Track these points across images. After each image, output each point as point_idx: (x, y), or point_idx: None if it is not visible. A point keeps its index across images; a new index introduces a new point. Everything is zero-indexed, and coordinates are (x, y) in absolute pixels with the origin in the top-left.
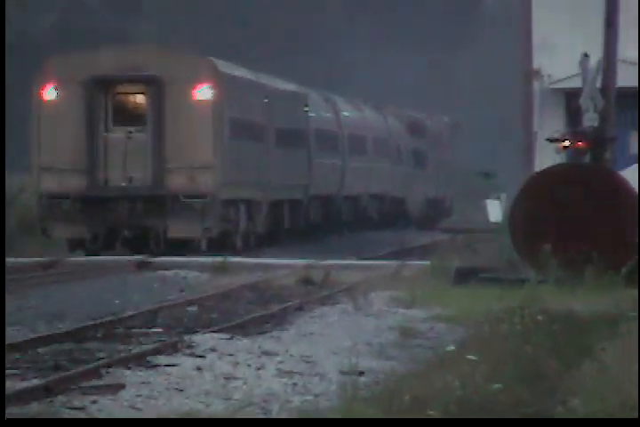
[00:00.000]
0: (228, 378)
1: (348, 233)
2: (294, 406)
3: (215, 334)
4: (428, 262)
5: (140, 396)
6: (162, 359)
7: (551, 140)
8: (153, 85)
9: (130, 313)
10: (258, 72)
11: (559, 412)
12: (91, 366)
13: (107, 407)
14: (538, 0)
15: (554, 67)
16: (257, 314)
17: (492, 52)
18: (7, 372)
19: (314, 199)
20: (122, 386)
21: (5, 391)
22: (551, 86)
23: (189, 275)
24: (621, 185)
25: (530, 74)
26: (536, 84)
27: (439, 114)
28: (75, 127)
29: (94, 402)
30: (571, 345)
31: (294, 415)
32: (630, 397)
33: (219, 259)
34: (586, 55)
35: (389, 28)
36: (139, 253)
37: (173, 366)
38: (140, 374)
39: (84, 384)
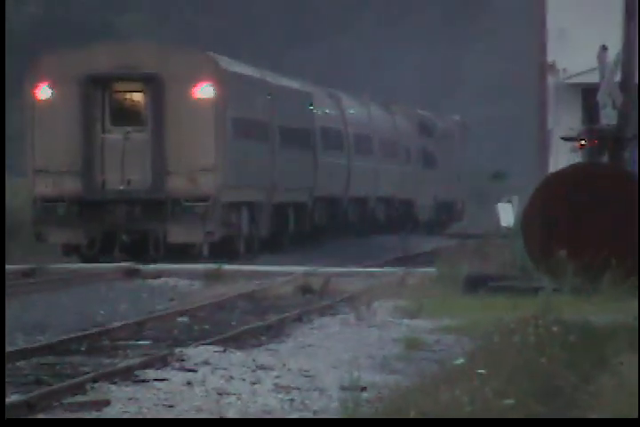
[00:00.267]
0: (220, 394)
1: (354, 237)
2: None
3: (207, 347)
4: (435, 269)
5: (127, 412)
6: (150, 374)
7: (567, 139)
8: (152, 83)
9: (116, 324)
10: (261, 69)
11: None
12: (74, 380)
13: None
14: None
15: (569, 60)
16: (252, 325)
17: (505, 46)
18: None
19: (319, 201)
20: (107, 402)
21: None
22: (567, 81)
23: (180, 283)
24: None
25: (544, 68)
26: (551, 79)
27: (450, 112)
28: (70, 127)
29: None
30: (587, 358)
31: None
32: None
33: (212, 266)
34: (604, 48)
35: (400, 24)
36: (137, 258)
37: (162, 380)
38: (127, 389)
39: (68, 400)
